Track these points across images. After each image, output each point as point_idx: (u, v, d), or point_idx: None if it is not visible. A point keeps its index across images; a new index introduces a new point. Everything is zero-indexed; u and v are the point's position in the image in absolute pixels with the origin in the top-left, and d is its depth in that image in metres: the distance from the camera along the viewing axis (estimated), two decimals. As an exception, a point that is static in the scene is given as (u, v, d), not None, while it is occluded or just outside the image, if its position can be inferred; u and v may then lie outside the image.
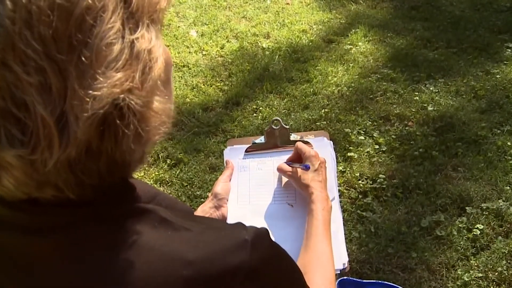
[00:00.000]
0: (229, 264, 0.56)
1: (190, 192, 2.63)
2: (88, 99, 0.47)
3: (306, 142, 1.18)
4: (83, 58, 0.47)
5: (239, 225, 0.62)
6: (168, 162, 2.83)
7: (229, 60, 3.76)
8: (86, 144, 0.49)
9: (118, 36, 0.49)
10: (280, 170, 1.12)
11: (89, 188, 0.53)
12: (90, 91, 0.47)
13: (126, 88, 0.49)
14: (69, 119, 0.47)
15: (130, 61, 0.50)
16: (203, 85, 3.49)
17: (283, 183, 1.14)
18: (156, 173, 2.75)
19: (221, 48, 3.92)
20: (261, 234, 0.61)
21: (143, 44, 0.51)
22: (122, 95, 0.49)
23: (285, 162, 1.13)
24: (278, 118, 1.18)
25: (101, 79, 0.48)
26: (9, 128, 0.46)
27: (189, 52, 3.88)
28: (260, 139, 1.21)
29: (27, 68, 0.45)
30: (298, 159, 1.12)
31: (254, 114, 3.18)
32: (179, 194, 2.61)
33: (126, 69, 0.49)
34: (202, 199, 2.55)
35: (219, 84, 3.50)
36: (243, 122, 3.10)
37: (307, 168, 1.06)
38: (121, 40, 0.49)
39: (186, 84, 3.48)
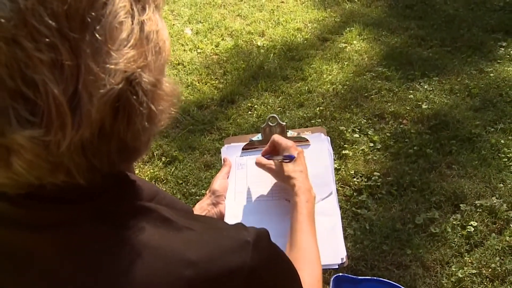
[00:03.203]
0: (230, 265, 0.56)
1: (185, 190, 2.63)
2: (103, 75, 0.47)
3: (303, 139, 1.18)
4: (97, 35, 0.46)
5: (240, 225, 0.62)
6: (163, 159, 2.82)
7: (224, 58, 3.76)
8: (100, 123, 0.48)
9: (128, 16, 0.49)
10: (259, 164, 1.11)
11: (98, 174, 0.53)
12: (107, 66, 0.47)
13: (141, 65, 0.50)
14: (82, 98, 0.46)
15: (141, 41, 0.50)
16: (198, 83, 3.49)
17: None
18: (151, 170, 2.75)
19: (216, 46, 3.92)
20: (262, 235, 0.61)
21: (152, 26, 0.52)
22: (138, 70, 0.49)
23: (263, 156, 1.12)
24: (274, 115, 1.18)
25: (116, 55, 0.47)
26: (18, 110, 0.45)
27: (184, 50, 3.88)
28: (257, 137, 1.21)
29: (38, 45, 0.44)
30: (274, 152, 1.11)
31: (249, 112, 3.18)
32: (174, 191, 2.61)
33: (139, 47, 0.50)
34: (197, 197, 2.55)
35: (214, 82, 3.50)
36: (238, 120, 3.10)
37: (291, 158, 1.04)
38: (132, 20, 0.50)
39: (181, 82, 3.48)
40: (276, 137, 1.10)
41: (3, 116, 0.45)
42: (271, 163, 1.09)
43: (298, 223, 0.95)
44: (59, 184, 0.51)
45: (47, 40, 0.44)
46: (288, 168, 1.04)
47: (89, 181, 0.52)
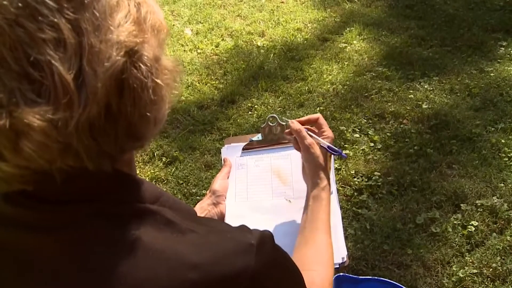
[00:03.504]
0: (234, 268, 0.56)
1: (185, 190, 2.63)
2: (105, 49, 0.48)
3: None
4: (97, 14, 0.48)
5: (244, 228, 0.62)
6: (163, 160, 2.82)
7: (224, 58, 3.76)
8: (106, 101, 0.49)
9: None
10: (299, 133, 0.98)
11: (107, 158, 0.53)
12: (109, 38, 0.48)
13: (140, 39, 0.51)
14: (87, 74, 0.47)
15: (139, 20, 0.52)
16: (198, 83, 3.49)
17: (280, 180, 1.15)
18: (152, 171, 2.75)
19: (216, 46, 3.92)
20: (266, 238, 0.61)
21: (148, 7, 0.54)
22: (139, 44, 0.51)
23: (308, 132, 0.99)
24: (274, 115, 1.18)
25: (116, 30, 0.49)
26: (24, 91, 0.46)
27: (184, 50, 3.88)
28: (257, 137, 1.21)
29: (40, 25, 0.45)
30: (310, 130, 1.01)
31: (249, 112, 3.18)
32: (175, 192, 2.61)
33: (138, 24, 0.52)
34: (198, 197, 2.55)
35: (214, 82, 3.50)
36: (238, 120, 3.10)
37: (342, 156, 0.97)
38: (127, 1, 0.52)
39: (181, 82, 3.47)
40: (322, 119, 1.01)
41: (10, 98, 0.46)
42: (312, 141, 0.97)
43: (319, 221, 0.92)
44: (68, 171, 0.51)
45: (48, 20, 0.46)
46: (326, 160, 0.98)
47: (97, 165, 0.52)
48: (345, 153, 2.72)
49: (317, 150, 0.97)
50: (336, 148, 0.98)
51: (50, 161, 0.50)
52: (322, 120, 1.02)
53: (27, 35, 0.45)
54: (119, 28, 0.49)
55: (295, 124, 1.00)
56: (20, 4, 0.45)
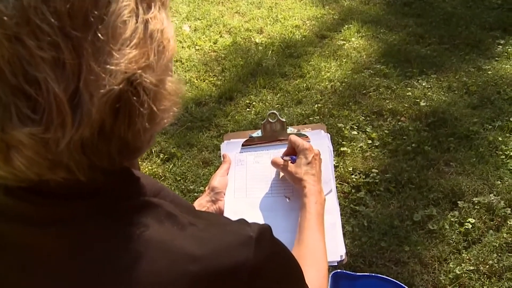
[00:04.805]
0: (233, 260, 0.56)
1: (183, 187, 2.63)
2: (104, 75, 0.47)
3: (303, 135, 1.18)
4: (99, 35, 0.46)
5: (243, 221, 0.62)
6: (161, 156, 2.82)
7: (222, 55, 3.75)
8: (100, 123, 0.48)
9: (133, 14, 0.49)
10: (274, 163, 1.11)
11: (99, 171, 0.53)
12: (107, 66, 0.47)
13: (142, 65, 0.49)
14: (83, 97, 0.46)
15: (144, 40, 0.50)
16: (196, 80, 3.48)
17: (280, 176, 1.15)
18: (150, 167, 2.75)
19: (214, 43, 3.91)
20: (265, 231, 0.61)
21: (157, 25, 0.52)
22: (138, 71, 0.49)
23: (281, 156, 1.12)
24: (274, 111, 1.17)
25: (117, 55, 0.47)
26: (20, 106, 0.45)
27: (182, 47, 3.87)
28: (257, 133, 1.20)
29: (41, 43, 0.44)
30: (293, 152, 1.10)
31: (247, 109, 3.18)
32: (173, 188, 2.61)
33: (141, 47, 0.49)
34: (195, 194, 2.55)
35: (212, 79, 3.49)
36: (236, 117, 3.10)
37: (293, 160, 1.06)
38: (136, 18, 0.49)
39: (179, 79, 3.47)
40: (293, 137, 1.10)
41: (4, 112, 0.46)
42: (283, 163, 1.09)
43: (305, 221, 0.96)
44: (61, 181, 0.52)
45: (49, 38, 0.44)
46: (301, 170, 1.04)
47: (90, 177, 0.52)
48: (343, 150, 2.74)
49: (287, 169, 1.07)
50: (292, 156, 1.08)
51: (39, 174, 0.50)
52: (294, 139, 1.09)
53: (26, 52, 0.44)
54: (121, 51, 0.48)
55: (273, 160, 1.10)
56: (21, 20, 0.44)
